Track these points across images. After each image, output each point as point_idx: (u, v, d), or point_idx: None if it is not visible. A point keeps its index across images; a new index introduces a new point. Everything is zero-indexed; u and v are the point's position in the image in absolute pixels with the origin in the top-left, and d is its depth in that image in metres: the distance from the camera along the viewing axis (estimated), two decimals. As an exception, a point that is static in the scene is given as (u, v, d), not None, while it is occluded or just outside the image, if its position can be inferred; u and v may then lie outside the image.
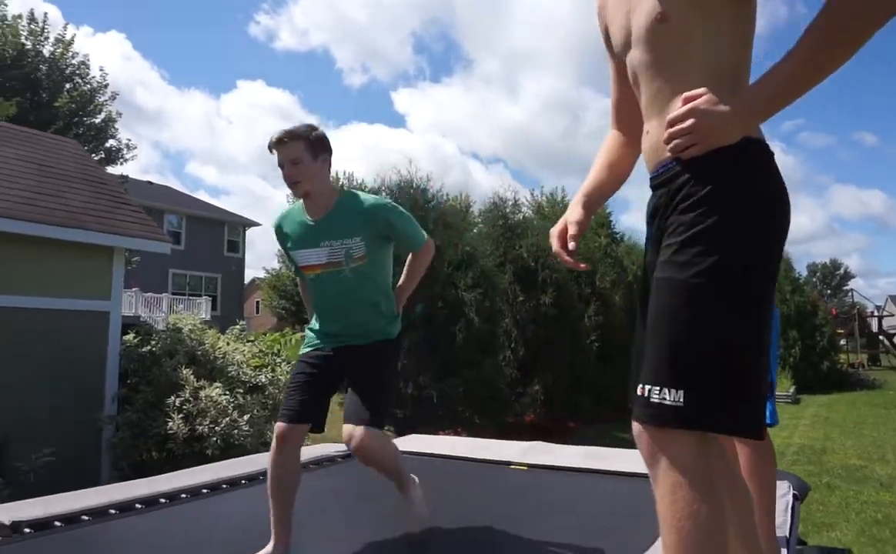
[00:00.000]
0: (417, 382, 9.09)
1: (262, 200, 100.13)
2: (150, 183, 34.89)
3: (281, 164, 2.49)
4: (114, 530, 3.20)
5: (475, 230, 12.12)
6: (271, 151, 2.52)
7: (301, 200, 2.60)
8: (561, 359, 11.48)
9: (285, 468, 2.58)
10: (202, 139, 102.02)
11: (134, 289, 23.28)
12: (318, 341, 2.71)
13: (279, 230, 2.68)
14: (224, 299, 35.01)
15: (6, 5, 18.02)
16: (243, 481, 4.22)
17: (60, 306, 6.96)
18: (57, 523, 3.19)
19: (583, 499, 3.93)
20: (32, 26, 18.41)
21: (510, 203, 12.92)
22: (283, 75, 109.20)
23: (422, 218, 10.15)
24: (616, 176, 1.73)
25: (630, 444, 1.39)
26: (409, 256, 2.80)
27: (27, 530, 3.07)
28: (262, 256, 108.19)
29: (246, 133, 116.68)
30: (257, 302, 45.63)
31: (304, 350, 2.73)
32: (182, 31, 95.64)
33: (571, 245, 1.62)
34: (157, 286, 27.78)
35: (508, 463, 4.77)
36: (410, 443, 5.72)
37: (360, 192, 2.64)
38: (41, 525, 3.13)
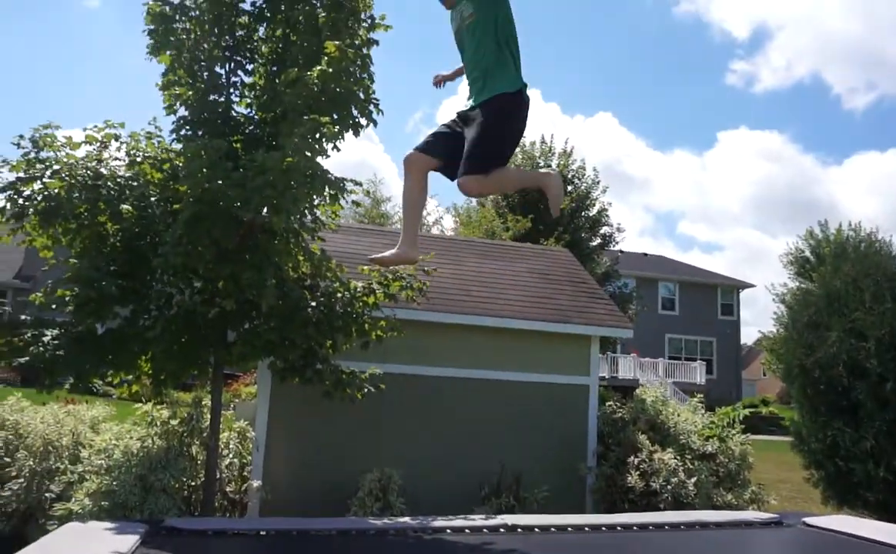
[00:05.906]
0: (891, 465, 8.49)
1: (759, 253, 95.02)
2: (644, 254, 37.98)
3: None
4: (588, 540, 4.71)
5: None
6: None
7: None
8: None
9: (411, 189, 3.23)
10: (690, 198, 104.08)
11: (632, 354, 26.01)
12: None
13: None
14: (720, 362, 35.31)
15: (525, 137, 23.28)
16: (681, 527, 5.35)
17: (554, 380, 9.33)
18: (535, 530, 4.97)
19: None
20: (542, 147, 23.25)
21: None
22: (768, 116, 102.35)
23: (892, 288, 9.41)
24: None
25: None
26: None
27: (519, 531, 4.92)
28: (761, 315, 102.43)
29: (734, 184, 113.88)
30: (762, 364, 43.86)
31: None
32: (659, 98, 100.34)
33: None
34: (655, 351, 30.13)
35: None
36: (835, 522, 5.92)
37: None
38: (528, 529, 4.94)
